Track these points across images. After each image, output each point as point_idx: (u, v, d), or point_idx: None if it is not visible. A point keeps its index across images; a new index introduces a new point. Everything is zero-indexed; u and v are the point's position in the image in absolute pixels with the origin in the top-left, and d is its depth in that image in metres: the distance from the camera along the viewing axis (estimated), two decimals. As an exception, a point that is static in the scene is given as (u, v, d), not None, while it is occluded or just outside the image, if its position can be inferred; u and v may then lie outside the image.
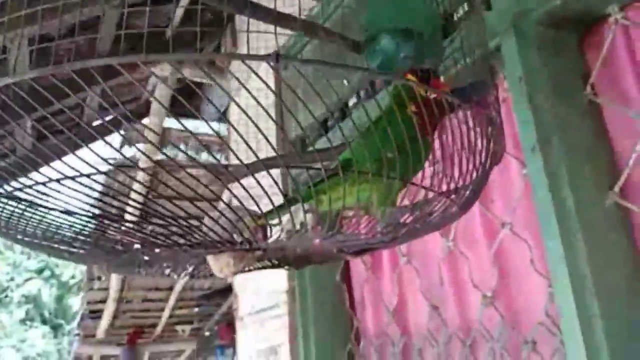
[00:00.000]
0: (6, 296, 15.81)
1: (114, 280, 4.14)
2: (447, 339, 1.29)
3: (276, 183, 0.64)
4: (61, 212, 0.62)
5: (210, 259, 0.71)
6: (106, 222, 0.68)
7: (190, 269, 0.84)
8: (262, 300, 1.88)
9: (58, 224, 0.67)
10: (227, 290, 3.83)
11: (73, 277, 15.64)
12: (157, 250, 0.69)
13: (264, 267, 0.84)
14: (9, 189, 0.63)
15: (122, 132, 2.08)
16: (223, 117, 0.69)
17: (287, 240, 0.70)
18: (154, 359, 6.35)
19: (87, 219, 0.67)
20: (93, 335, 5.15)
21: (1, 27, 0.64)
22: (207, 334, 5.04)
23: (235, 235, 0.66)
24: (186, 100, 0.63)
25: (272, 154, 0.67)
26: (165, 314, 5.01)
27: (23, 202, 0.65)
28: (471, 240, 1.27)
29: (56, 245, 0.69)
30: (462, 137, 0.71)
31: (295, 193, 0.69)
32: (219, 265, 0.70)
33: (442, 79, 0.76)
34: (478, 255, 1.24)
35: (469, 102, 0.68)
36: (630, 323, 0.83)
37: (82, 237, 0.67)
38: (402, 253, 1.43)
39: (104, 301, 4.59)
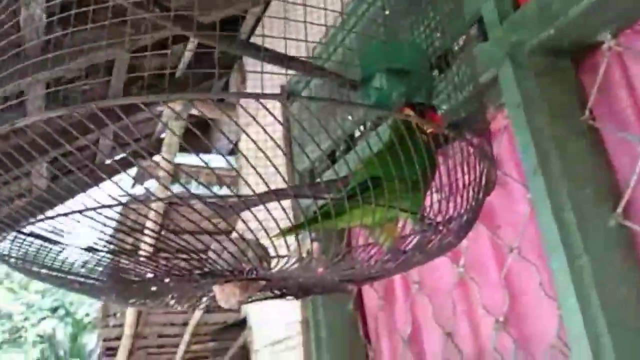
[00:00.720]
0: (20, 336, 15.79)
1: (129, 316, 4.14)
2: (462, 366, 1.29)
3: (286, 213, 0.67)
4: (71, 246, 0.65)
5: (216, 289, 0.73)
6: (120, 254, 0.71)
7: (196, 300, 0.86)
8: (277, 331, 1.89)
9: (70, 257, 0.69)
10: (242, 324, 3.82)
11: (87, 314, 15.62)
12: (167, 280, 0.71)
13: (267, 298, 0.86)
14: (24, 224, 0.66)
15: (136, 168, 2.13)
16: (236, 148, 0.72)
17: (291, 270, 0.73)
18: (171, 395, 6.28)
19: (100, 252, 0.70)
20: (109, 373, 5.12)
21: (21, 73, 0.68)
22: (222, 369, 5.00)
23: (243, 264, 0.68)
24: (197, 137, 0.66)
25: (282, 185, 0.71)
26: (181, 349, 4.99)
27: (37, 238, 0.68)
28: (481, 266, 1.28)
29: (68, 277, 0.72)
30: (456, 169, 0.74)
31: (313, 214, 0.72)
32: (224, 295, 0.72)
33: (438, 112, 0.78)
34: (488, 281, 1.25)
35: (463, 135, 0.71)
36: (638, 341, 0.84)
37: (95, 268, 0.70)
38: (414, 281, 1.44)
39: (119, 338, 4.58)
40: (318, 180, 1.51)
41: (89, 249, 0.70)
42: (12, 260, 0.70)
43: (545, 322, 1.08)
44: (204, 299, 0.86)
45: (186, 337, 4.73)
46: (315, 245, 0.71)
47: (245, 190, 0.72)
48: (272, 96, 0.58)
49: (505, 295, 1.16)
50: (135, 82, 1.83)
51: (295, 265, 0.72)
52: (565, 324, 0.91)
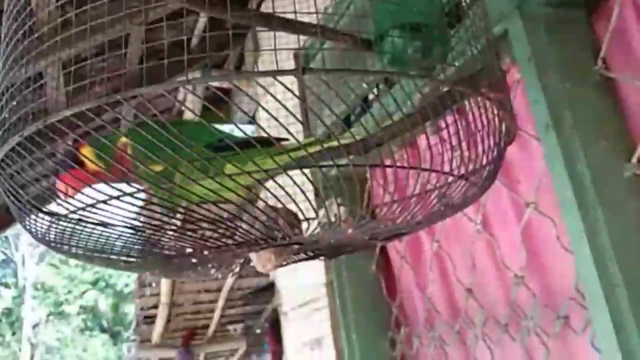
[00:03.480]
0: (63, 310, 16.44)
1: (164, 285, 4.27)
2: (484, 321, 1.31)
3: (310, 180, 0.69)
4: (109, 226, 0.67)
5: (253, 256, 0.76)
6: (158, 231, 0.73)
7: (234, 268, 0.89)
8: (303, 294, 1.93)
9: (111, 236, 0.72)
10: (273, 287, 3.91)
11: (127, 285, 16.18)
12: (205, 252, 0.74)
13: (301, 260, 0.88)
14: (65, 210, 0.68)
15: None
16: (252, 119, 0.74)
17: (321, 234, 0.75)
18: (210, 359, 6.51)
19: (138, 230, 0.72)
20: (149, 340, 5.32)
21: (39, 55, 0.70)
22: (257, 331, 5.15)
23: (275, 232, 0.71)
24: (216, 106, 0.67)
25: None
26: (216, 314, 5.14)
27: (72, 220, 0.70)
28: (500, 221, 1.29)
29: (111, 257, 0.75)
30: (475, 122, 0.74)
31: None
32: (261, 261, 0.75)
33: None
34: (507, 236, 1.26)
35: (478, 89, 0.71)
36: (653, 291, 0.84)
37: (136, 247, 0.73)
38: (434, 239, 1.46)
39: (156, 306, 4.74)
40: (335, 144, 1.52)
41: (130, 229, 0.72)
42: (58, 244, 0.72)
43: (563, 275, 1.09)
44: (243, 265, 0.89)
45: (220, 302, 4.87)
46: (342, 209, 0.73)
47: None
48: (287, 72, 0.58)
49: (523, 249, 1.17)
50: (151, 55, 1.85)
51: (325, 229, 0.74)
52: (581, 275, 0.91)
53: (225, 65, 2.31)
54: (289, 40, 0.99)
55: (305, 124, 1.56)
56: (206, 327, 5.45)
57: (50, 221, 0.65)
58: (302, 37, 1.67)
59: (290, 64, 0.61)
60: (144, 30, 1.89)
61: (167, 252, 0.73)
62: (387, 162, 0.73)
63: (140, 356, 5.88)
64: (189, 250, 0.74)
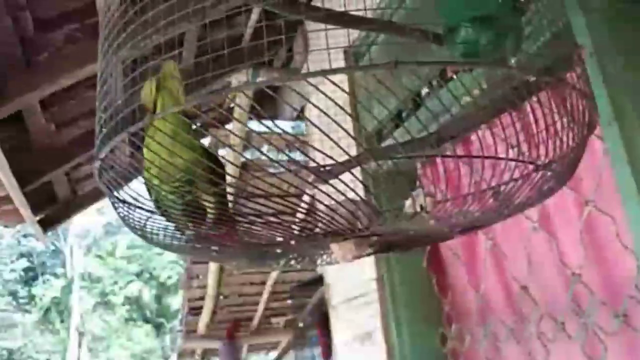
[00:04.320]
0: (109, 300, 16.93)
1: (211, 277, 4.35)
2: (539, 318, 1.30)
3: (365, 182, 0.71)
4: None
5: (334, 247, 0.78)
6: (250, 220, 0.75)
7: (314, 258, 0.91)
8: (353, 288, 1.95)
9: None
10: (316, 282, 3.94)
11: (169, 277, 16.54)
12: (292, 242, 0.76)
13: (376, 252, 0.89)
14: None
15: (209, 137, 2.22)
16: (302, 114, 0.76)
17: (402, 225, 0.76)
18: (252, 351, 6.61)
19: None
20: (195, 331, 5.43)
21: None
22: (300, 325, 5.19)
23: (358, 222, 0.73)
24: (265, 102, 0.70)
25: (351, 146, 0.74)
26: (260, 307, 5.22)
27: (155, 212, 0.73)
28: (559, 219, 1.28)
29: (206, 246, 0.78)
30: (551, 113, 0.73)
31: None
32: (342, 251, 0.77)
33: None
34: (566, 234, 1.24)
35: (560, 79, 0.70)
36: None
37: (229, 237, 0.76)
38: (488, 236, 1.45)
39: (202, 298, 4.83)
40: (386, 142, 1.53)
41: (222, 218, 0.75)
42: (149, 235, 0.75)
43: (623, 273, 1.07)
44: (320, 256, 0.91)
45: (265, 295, 4.93)
46: (429, 199, 0.74)
47: (313, 154, 0.75)
48: (381, 66, 0.59)
49: (581, 248, 1.16)
50: (205, 53, 1.89)
51: (408, 220, 0.75)
52: (644, 273, 0.91)
53: (274, 61, 2.34)
54: (336, 37, 1.00)
55: (356, 120, 1.58)
56: (250, 319, 5.53)
57: (143, 216, 0.69)
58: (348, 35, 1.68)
59: (340, 63, 0.62)
60: (198, 30, 1.94)
61: (258, 241, 0.75)
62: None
63: (186, 347, 6.02)
64: (279, 239, 0.75)
